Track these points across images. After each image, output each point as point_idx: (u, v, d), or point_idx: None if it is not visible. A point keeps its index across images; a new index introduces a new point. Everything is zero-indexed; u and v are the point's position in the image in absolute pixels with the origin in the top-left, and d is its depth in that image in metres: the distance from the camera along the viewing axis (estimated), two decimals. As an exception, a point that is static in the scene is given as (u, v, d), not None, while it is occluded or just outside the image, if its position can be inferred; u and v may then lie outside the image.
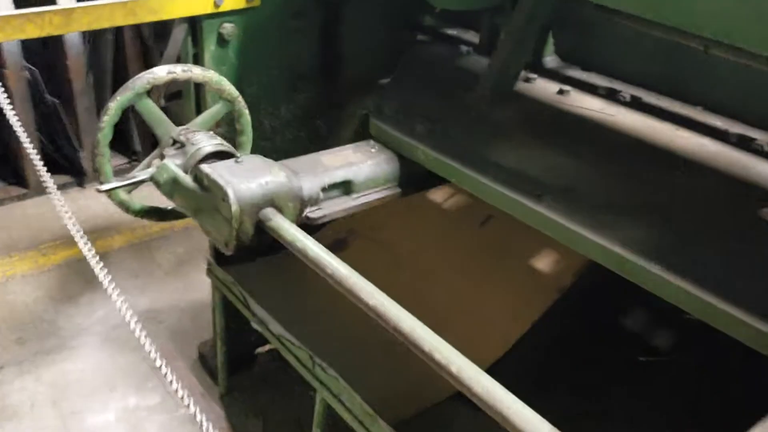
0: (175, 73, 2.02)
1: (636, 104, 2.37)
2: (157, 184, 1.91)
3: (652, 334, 2.55)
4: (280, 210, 1.80)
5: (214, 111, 2.16)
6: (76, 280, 3.92)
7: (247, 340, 3.30)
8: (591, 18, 2.50)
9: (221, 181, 1.73)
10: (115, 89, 1.98)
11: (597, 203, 1.75)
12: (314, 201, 1.89)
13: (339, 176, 1.96)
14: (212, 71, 2.11)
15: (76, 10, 2.22)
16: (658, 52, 2.36)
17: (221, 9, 2.49)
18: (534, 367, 2.64)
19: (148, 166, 2.09)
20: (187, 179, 1.84)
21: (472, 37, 3.01)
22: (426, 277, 2.96)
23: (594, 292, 2.70)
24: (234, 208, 1.71)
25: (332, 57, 2.91)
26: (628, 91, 2.42)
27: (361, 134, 3.17)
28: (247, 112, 2.21)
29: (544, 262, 2.87)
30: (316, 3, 2.76)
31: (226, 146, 1.99)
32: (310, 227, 1.85)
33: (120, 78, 4.76)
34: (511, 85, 2.30)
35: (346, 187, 1.95)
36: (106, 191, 1.94)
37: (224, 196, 1.72)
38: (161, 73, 2.01)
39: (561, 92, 2.41)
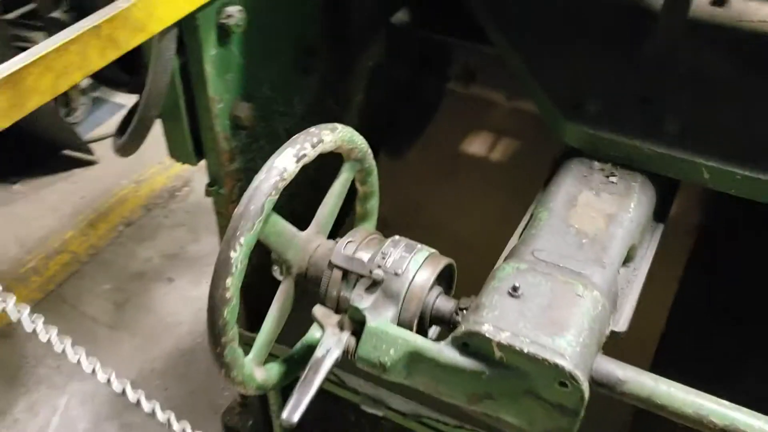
0: (305, 155, 1.13)
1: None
2: (375, 367, 1.09)
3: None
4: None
5: (343, 181, 1.29)
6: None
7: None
8: None
9: (556, 359, 0.97)
10: None
11: None
12: (614, 304, 1.18)
13: (622, 247, 1.24)
14: (340, 126, 1.22)
15: (25, 73, 1.18)
16: None
17: (225, -13, 1.51)
18: (696, 346, 2.18)
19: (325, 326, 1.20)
20: (450, 354, 1.04)
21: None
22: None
23: (738, 225, 2.24)
24: (587, 393, 0.98)
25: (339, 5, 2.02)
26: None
27: (373, 93, 2.36)
28: (375, 166, 1.37)
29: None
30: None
31: (439, 257, 1.18)
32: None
33: None
34: (687, 11, 1.63)
35: (626, 259, 1.25)
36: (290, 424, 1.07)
37: (566, 379, 0.98)
38: (288, 164, 1.10)
39: (719, 2, 1.79)
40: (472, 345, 1.05)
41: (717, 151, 1.33)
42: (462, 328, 1.05)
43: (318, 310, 1.18)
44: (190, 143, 1.75)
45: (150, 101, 1.54)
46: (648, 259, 1.32)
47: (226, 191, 1.84)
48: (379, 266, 1.14)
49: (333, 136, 1.19)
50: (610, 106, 1.43)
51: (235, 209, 1.09)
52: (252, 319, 2.22)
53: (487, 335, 1.02)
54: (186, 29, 1.54)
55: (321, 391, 1.12)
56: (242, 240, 1.06)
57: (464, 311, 1.14)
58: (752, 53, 1.54)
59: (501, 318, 1.05)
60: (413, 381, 1.10)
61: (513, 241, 1.35)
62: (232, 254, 1.06)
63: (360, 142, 1.29)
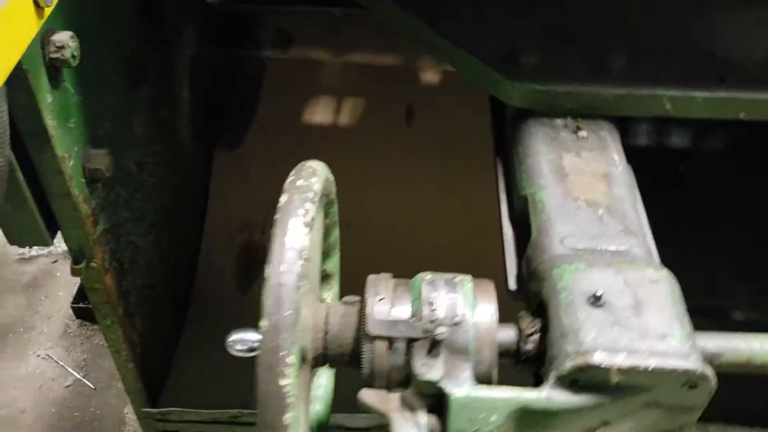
0: (312, 218, 0.86)
1: None
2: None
3: (667, 139, 2.29)
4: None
5: (318, 226, 1.04)
6: None
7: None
8: None
9: (683, 364, 0.84)
10: None
11: None
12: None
13: (634, 204, 1.12)
14: (313, 164, 0.95)
15: None
16: None
17: (50, 9, 1.11)
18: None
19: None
20: (561, 397, 0.88)
21: None
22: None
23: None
24: (715, 384, 0.89)
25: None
26: None
27: (198, 85, 2.01)
28: (335, 192, 1.13)
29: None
30: None
31: (481, 283, 1.00)
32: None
33: None
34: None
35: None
36: None
37: (696, 381, 0.87)
38: (303, 238, 0.83)
39: None
40: (583, 379, 0.90)
41: (672, 76, 1.27)
42: (567, 365, 0.89)
43: (369, 396, 0.94)
44: (41, 221, 1.33)
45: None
46: (641, 203, 1.25)
47: (98, 263, 1.45)
48: (432, 321, 0.93)
49: (318, 176, 0.94)
50: (546, 52, 1.30)
51: (261, 322, 0.80)
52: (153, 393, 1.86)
53: (603, 365, 0.88)
54: (12, 79, 1.11)
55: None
56: (289, 360, 0.79)
57: (531, 337, 0.98)
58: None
59: (604, 338, 0.91)
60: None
61: (507, 233, 1.21)
62: (283, 382, 0.79)
63: (327, 172, 1.04)
